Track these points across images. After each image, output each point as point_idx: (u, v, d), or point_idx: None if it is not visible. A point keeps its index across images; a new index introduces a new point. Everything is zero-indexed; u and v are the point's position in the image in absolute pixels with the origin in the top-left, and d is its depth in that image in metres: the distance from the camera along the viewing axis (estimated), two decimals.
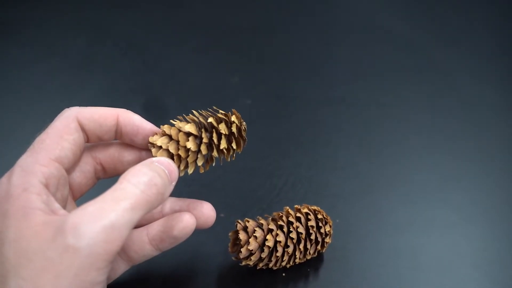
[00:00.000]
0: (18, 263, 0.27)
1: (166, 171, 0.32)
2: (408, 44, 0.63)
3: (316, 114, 0.55)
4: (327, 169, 0.50)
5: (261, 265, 0.40)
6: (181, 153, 0.35)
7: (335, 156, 0.51)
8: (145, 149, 0.37)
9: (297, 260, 0.40)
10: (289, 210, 0.41)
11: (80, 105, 0.54)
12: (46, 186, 0.31)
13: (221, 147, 0.36)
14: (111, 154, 0.37)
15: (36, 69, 0.59)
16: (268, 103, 0.56)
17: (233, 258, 0.40)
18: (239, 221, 0.40)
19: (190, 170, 0.36)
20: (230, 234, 0.40)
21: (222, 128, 0.36)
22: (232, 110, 0.37)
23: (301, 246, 0.39)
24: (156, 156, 0.35)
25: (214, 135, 0.36)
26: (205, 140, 0.35)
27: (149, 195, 0.30)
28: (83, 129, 0.34)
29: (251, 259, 0.39)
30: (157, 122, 0.52)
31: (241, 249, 0.38)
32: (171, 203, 0.38)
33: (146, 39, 0.63)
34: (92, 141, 0.35)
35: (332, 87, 0.58)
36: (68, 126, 0.33)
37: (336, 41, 0.64)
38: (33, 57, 0.60)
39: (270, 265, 0.40)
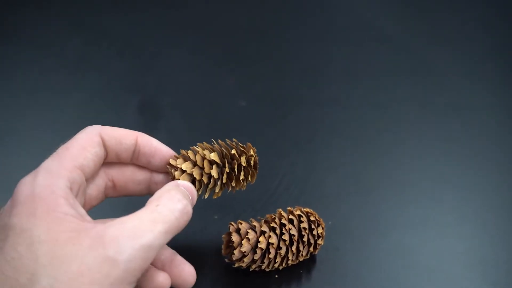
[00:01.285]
0: (51, 264, 0.28)
1: (190, 197, 0.35)
2: (402, 45, 0.63)
3: (311, 115, 0.55)
4: (321, 170, 0.50)
5: (253, 267, 0.40)
6: (204, 179, 0.38)
7: (329, 157, 0.52)
8: (157, 171, 0.39)
9: (289, 262, 0.40)
10: (282, 212, 0.41)
11: (76, 105, 0.55)
12: (70, 190, 0.32)
13: (240, 178, 0.39)
14: (124, 172, 0.38)
15: (32, 69, 0.59)
16: (263, 103, 0.56)
17: (226, 260, 0.40)
18: (232, 223, 0.40)
19: (206, 195, 0.39)
20: (223, 236, 0.40)
21: (243, 160, 0.39)
22: (248, 144, 0.40)
23: (294, 248, 0.40)
24: (179, 179, 0.37)
25: (235, 166, 0.39)
26: (227, 170, 0.38)
27: (180, 222, 0.32)
28: (104, 144, 0.36)
29: (244, 261, 0.39)
30: (153, 124, 0.52)
31: (234, 251, 0.39)
32: None
33: (141, 39, 0.63)
34: (110, 158, 0.37)
35: (327, 88, 0.58)
36: (92, 139, 0.35)
37: (331, 42, 0.64)
38: (29, 57, 0.60)
39: (263, 267, 0.40)
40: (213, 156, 0.38)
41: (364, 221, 0.46)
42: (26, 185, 0.31)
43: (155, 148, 0.38)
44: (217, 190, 0.39)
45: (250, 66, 0.60)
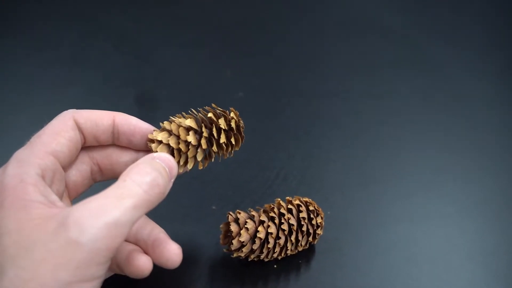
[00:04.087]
0: (17, 254, 0.27)
1: (167, 169, 0.33)
2: (402, 37, 0.63)
3: (309, 107, 0.55)
4: (320, 162, 0.50)
5: (252, 256, 0.39)
6: (182, 147, 0.35)
7: (328, 149, 0.51)
8: (142, 150, 0.37)
9: (288, 252, 0.40)
10: (281, 202, 0.41)
11: (73, 99, 0.55)
12: (42, 177, 0.31)
13: (221, 141, 0.36)
14: (108, 155, 0.37)
15: (29, 63, 0.59)
16: (261, 96, 0.56)
17: (225, 250, 0.40)
18: (231, 213, 0.39)
19: (190, 166, 0.36)
20: (221, 226, 0.40)
21: (222, 123, 0.36)
22: (230, 108, 0.38)
23: (293, 237, 0.39)
24: (156, 152, 0.35)
25: (214, 130, 0.36)
26: (205, 134, 0.36)
27: (151, 195, 0.30)
28: (80, 128, 0.35)
29: (242, 251, 0.39)
30: (150, 115, 0.52)
31: (233, 241, 0.38)
32: (142, 222, 0.36)
33: (138, 33, 0.63)
34: (89, 142, 0.36)
35: (326, 80, 0.58)
36: (65, 123, 0.34)
37: (330, 34, 0.64)
38: (26, 50, 0.60)
39: (262, 256, 0.39)
40: (189, 122, 0.36)
41: (363, 212, 0.46)
42: None
43: (134, 126, 0.36)
44: (199, 158, 0.36)
45: (248, 58, 0.60)
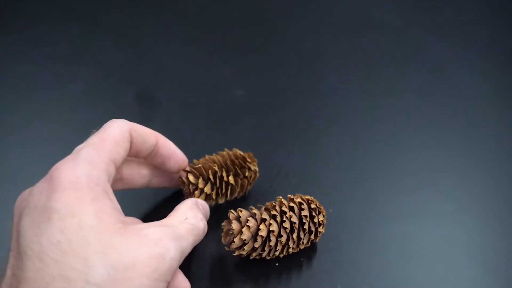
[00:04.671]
0: (105, 253, 0.28)
1: (205, 214, 0.38)
2: (401, 35, 0.63)
3: (309, 104, 0.55)
4: (320, 160, 0.50)
5: (254, 255, 0.39)
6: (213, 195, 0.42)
7: (328, 147, 0.51)
8: (170, 172, 0.42)
9: (290, 250, 0.40)
10: (282, 199, 0.41)
11: (71, 97, 0.55)
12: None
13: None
14: (131, 165, 0.40)
15: (27, 60, 0.59)
16: (261, 93, 0.56)
17: (226, 248, 0.40)
18: (232, 211, 0.39)
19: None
20: (223, 224, 0.40)
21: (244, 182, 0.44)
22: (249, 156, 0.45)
23: (294, 235, 0.39)
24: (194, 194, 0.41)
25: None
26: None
27: (198, 240, 0.35)
28: (131, 141, 0.36)
29: (244, 249, 0.39)
30: (149, 113, 0.52)
31: (234, 239, 0.38)
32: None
33: (137, 30, 0.62)
34: (130, 155, 0.37)
35: (325, 78, 0.58)
36: (123, 134, 0.35)
37: (329, 31, 0.64)
38: (24, 47, 0.60)
39: (263, 254, 0.39)
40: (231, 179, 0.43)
41: (364, 210, 0.46)
42: (68, 172, 0.30)
43: (172, 151, 0.40)
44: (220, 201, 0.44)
45: (247, 56, 0.60)
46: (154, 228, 0.31)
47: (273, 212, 0.39)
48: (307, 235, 0.40)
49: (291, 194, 0.41)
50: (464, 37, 0.63)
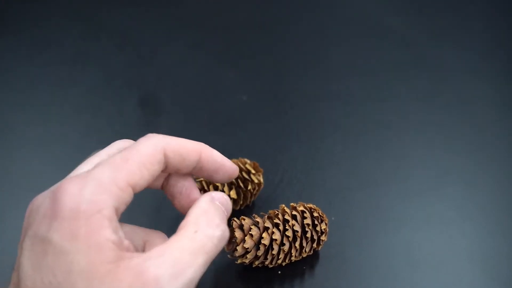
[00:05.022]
0: None
1: (226, 212, 0.33)
2: (404, 39, 0.63)
3: (312, 109, 0.55)
4: (324, 165, 0.50)
5: (257, 263, 0.39)
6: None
7: (332, 152, 0.51)
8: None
9: (292, 258, 0.40)
10: (285, 208, 0.41)
11: (74, 99, 0.55)
12: (116, 210, 0.29)
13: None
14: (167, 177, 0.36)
15: (30, 63, 0.59)
16: (264, 98, 0.56)
17: (229, 256, 0.40)
18: (235, 219, 0.39)
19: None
20: None
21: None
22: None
23: (297, 244, 0.39)
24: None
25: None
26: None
27: (218, 248, 0.30)
28: (166, 160, 0.33)
29: (247, 257, 0.38)
30: (152, 117, 0.51)
31: (237, 247, 0.38)
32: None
33: (141, 34, 0.62)
34: (168, 171, 0.34)
35: (328, 83, 0.58)
36: (154, 156, 0.31)
37: (332, 36, 0.63)
38: (27, 50, 0.60)
39: (266, 263, 0.39)
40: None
41: (367, 216, 0.46)
42: (72, 196, 0.28)
43: (219, 164, 0.36)
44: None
45: (251, 60, 0.60)
46: (152, 260, 0.28)
47: (276, 220, 0.39)
48: (309, 243, 0.40)
49: (293, 203, 0.41)
50: (468, 41, 0.63)
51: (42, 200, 0.29)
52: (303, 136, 0.53)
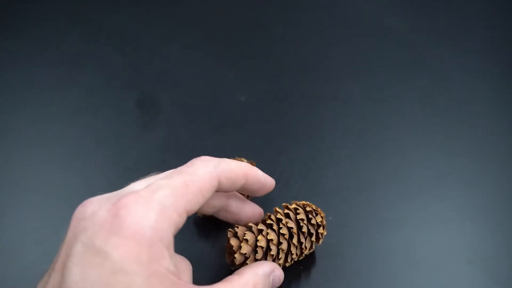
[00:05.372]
0: None
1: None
2: (403, 40, 0.63)
3: (311, 110, 0.55)
4: (322, 166, 0.50)
5: None
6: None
7: (330, 153, 0.51)
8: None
9: (294, 256, 0.40)
10: (277, 208, 0.41)
11: (74, 100, 0.55)
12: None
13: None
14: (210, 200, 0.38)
15: (29, 64, 0.59)
16: (263, 99, 0.56)
17: (232, 268, 0.39)
18: (230, 229, 0.39)
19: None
20: (225, 245, 0.40)
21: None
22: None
23: (295, 240, 0.39)
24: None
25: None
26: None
27: None
28: (218, 186, 0.34)
29: (247, 264, 0.38)
30: (151, 118, 0.51)
31: (235, 255, 0.38)
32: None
33: (140, 35, 0.62)
34: (216, 192, 0.35)
35: (327, 83, 0.58)
36: (211, 183, 0.33)
37: (331, 37, 0.64)
38: (26, 51, 0.60)
39: None
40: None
41: (365, 217, 0.46)
42: (137, 218, 0.28)
43: (263, 184, 0.38)
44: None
45: (250, 61, 0.60)
46: None
47: (269, 221, 0.39)
48: (308, 238, 0.40)
49: (286, 203, 0.41)
50: (467, 42, 0.63)
51: (97, 208, 0.29)
52: (302, 137, 0.53)
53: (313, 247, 0.41)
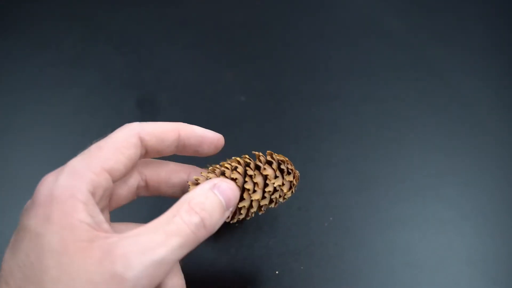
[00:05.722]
0: (59, 278, 0.27)
1: (224, 201, 0.32)
2: (403, 41, 0.63)
3: (311, 110, 0.55)
4: (321, 166, 0.50)
5: (238, 215, 0.36)
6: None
7: (329, 153, 0.51)
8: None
9: (269, 189, 0.36)
10: (225, 161, 0.38)
11: (73, 100, 0.55)
12: (92, 195, 0.30)
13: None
14: (159, 173, 0.37)
15: (29, 63, 0.59)
16: (262, 99, 0.56)
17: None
18: (189, 182, 0.37)
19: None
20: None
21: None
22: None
23: (257, 177, 0.36)
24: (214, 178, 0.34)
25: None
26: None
27: (198, 236, 0.30)
28: (144, 144, 0.34)
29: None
30: (150, 118, 0.51)
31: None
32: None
33: (139, 35, 0.62)
34: (151, 155, 0.35)
35: (326, 84, 0.58)
36: (128, 140, 0.33)
37: (331, 37, 0.64)
38: (26, 51, 0.60)
39: (244, 205, 0.36)
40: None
41: (364, 217, 0.46)
42: (47, 184, 0.29)
43: (201, 137, 0.36)
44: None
45: (250, 61, 0.60)
46: (125, 239, 0.28)
47: (225, 166, 0.37)
48: (270, 169, 0.37)
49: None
50: (467, 43, 0.63)
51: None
52: (301, 137, 0.53)
53: (285, 181, 0.38)
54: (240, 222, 0.40)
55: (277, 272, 0.41)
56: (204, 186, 0.32)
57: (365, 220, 0.46)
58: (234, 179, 0.36)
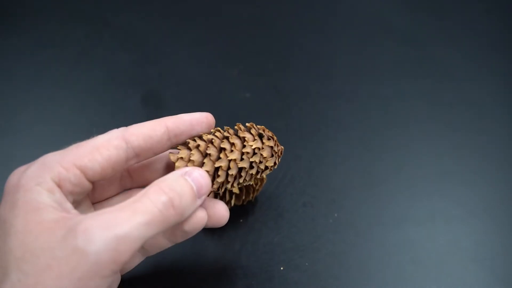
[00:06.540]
0: (22, 257, 0.27)
1: (195, 187, 0.32)
2: (409, 38, 0.63)
3: (316, 107, 0.55)
4: (327, 163, 0.50)
5: (219, 181, 0.35)
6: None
7: (335, 150, 0.51)
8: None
9: (246, 150, 0.36)
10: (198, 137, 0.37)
11: (78, 98, 0.55)
12: (59, 186, 0.30)
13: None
14: (142, 162, 0.37)
15: (34, 60, 0.59)
16: (267, 96, 0.56)
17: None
18: (170, 155, 0.36)
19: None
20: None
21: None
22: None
23: (237, 136, 0.36)
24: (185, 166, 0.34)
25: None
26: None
27: (165, 216, 0.30)
28: (131, 145, 0.33)
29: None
30: (156, 115, 0.51)
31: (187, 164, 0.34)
32: None
33: (144, 31, 0.62)
34: (145, 156, 0.34)
35: (332, 81, 0.58)
36: (109, 141, 0.32)
37: (337, 34, 0.63)
38: (31, 48, 0.60)
39: (222, 166, 0.35)
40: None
41: (370, 214, 0.46)
42: (16, 175, 0.30)
43: (189, 122, 0.35)
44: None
45: (255, 58, 0.60)
46: (89, 218, 0.28)
47: (196, 143, 0.36)
48: (250, 132, 0.37)
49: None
50: (473, 41, 0.63)
51: None
52: (307, 134, 0.52)
53: (264, 144, 0.37)
54: (238, 204, 0.40)
55: (282, 268, 0.41)
56: (176, 173, 0.32)
57: (371, 216, 0.46)
58: (211, 141, 0.35)
